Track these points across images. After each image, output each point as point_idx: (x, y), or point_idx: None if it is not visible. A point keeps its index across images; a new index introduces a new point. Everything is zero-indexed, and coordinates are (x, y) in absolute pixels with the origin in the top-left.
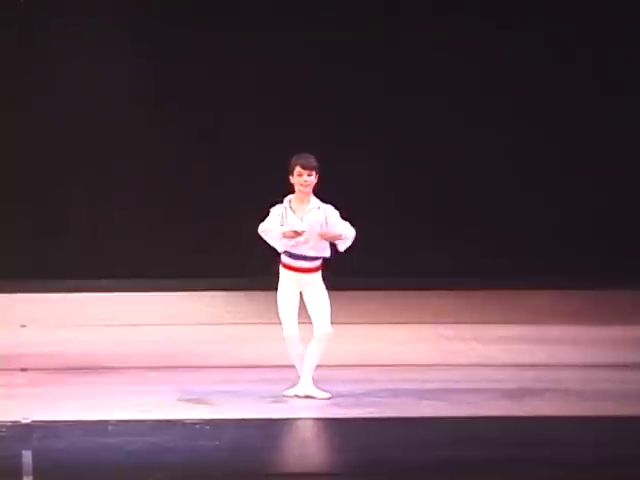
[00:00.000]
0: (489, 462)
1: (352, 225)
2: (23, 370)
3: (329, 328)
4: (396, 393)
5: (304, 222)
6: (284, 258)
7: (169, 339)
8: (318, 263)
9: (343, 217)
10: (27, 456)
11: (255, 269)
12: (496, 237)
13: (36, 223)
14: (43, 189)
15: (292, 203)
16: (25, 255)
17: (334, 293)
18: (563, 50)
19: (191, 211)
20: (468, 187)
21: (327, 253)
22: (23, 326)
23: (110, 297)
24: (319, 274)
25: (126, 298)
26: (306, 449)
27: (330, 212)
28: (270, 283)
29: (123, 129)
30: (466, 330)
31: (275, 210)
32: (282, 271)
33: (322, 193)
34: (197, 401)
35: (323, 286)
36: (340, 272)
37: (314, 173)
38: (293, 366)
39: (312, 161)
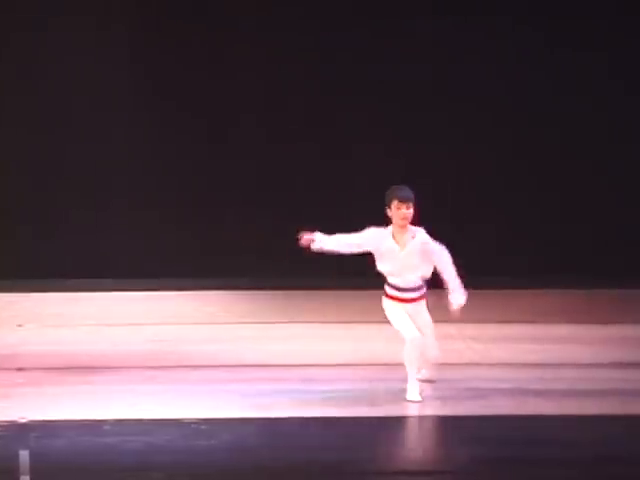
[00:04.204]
0: (487, 461)
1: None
2: (20, 370)
3: (438, 356)
4: (395, 392)
5: (404, 251)
6: (389, 290)
7: (165, 338)
8: (423, 292)
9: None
10: (24, 456)
11: (252, 269)
12: (495, 236)
13: (32, 222)
14: (40, 188)
15: (394, 231)
16: (21, 254)
17: (332, 293)
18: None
19: (189, 211)
20: (466, 186)
21: (428, 276)
22: (20, 326)
23: (107, 297)
24: (424, 302)
25: (123, 298)
26: (303, 447)
27: (424, 237)
28: (266, 283)
29: (121, 128)
30: (465, 329)
31: (373, 230)
32: (386, 300)
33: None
34: (194, 400)
35: (427, 313)
36: (333, 272)
37: (412, 205)
38: (289, 365)
39: (409, 193)
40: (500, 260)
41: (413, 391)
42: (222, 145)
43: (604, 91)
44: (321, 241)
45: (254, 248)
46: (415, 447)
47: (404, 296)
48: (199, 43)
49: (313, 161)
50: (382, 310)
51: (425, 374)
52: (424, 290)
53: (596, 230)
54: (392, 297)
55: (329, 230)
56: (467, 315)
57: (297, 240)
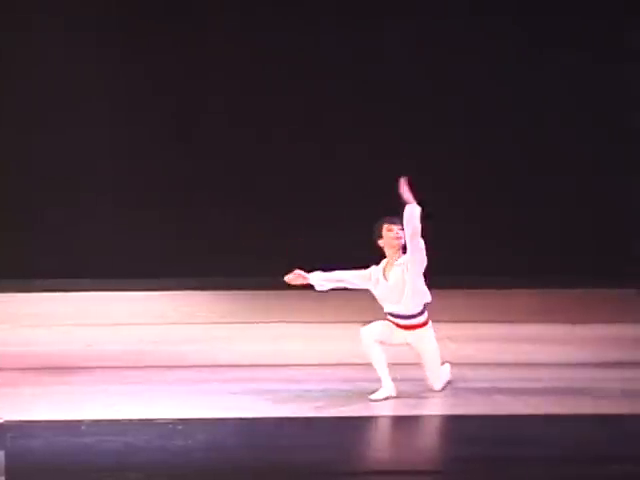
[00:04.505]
0: (460, 460)
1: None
2: None
3: (438, 386)
4: (370, 393)
5: (390, 281)
6: (389, 317)
7: (142, 338)
8: (422, 319)
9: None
10: (0, 456)
11: (228, 269)
12: (471, 236)
13: (7, 222)
14: (14, 188)
15: (386, 264)
16: None
17: (309, 293)
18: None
19: (167, 211)
20: (444, 187)
21: (424, 302)
22: None
23: (83, 297)
24: (426, 329)
25: (99, 298)
26: (279, 447)
27: (406, 259)
28: (242, 283)
29: (100, 129)
30: (440, 329)
31: (371, 269)
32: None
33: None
34: (170, 400)
35: (431, 343)
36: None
37: (402, 227)
38: (266, 365)
39: (396, 218)
40: (474, 260)
41: (379, 391)
42: (199, 145)
43: (601, 90)
44: (321, 285)
45: (233, 248)
46: (388, 447)
47: (401, 323)
48: (189, 41)
49: (295, 161)
50: (361, 311)
51: (434, 385)
52: (424, 317)
53: (571, 231)
54: (394, 324)
55: (315, 232)
56: (442, 315)
57: (288, 276)
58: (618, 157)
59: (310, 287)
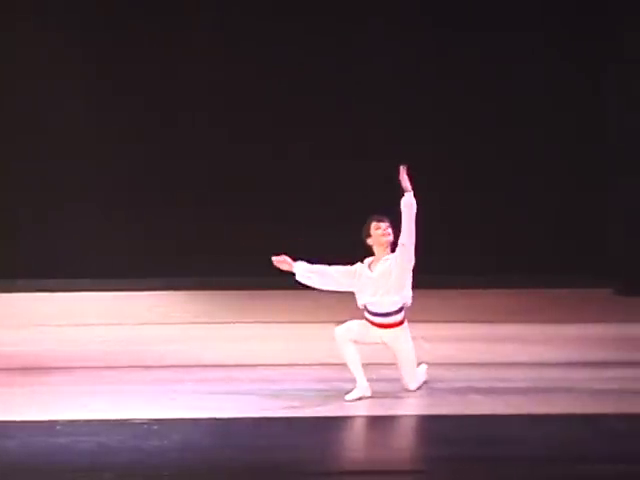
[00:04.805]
0: (437, 460)
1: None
2: None
3: (412, 387)
4: (339, 392)
5: (374, 273)
6: (366, 315)
7: (117, 339)
8: (398, 318)
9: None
10: None
11: (204, 269)
12: (448, 236)
13: None
14: None
15: (372, 261)
16: None
17: (283, 293)
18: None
19: (142, 211)
20: (421, 188)
21: (403, 302)
22: None
23: (58, 297)
24: (402, 328)
25: (74, 298)
26: (255, 447)
27: (397, 253)
28: (218, 283)
29: (73, 128)
30: (415, 329)
31: (357, 266)
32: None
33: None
34: (145, 401)
35: (407, 343)
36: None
37: (390, 224)
38: (240, 365)
39: (384, 216)
40: (450, 260)
41: (354, 391)
42: (173, 145)
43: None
44: (304, 276)
45: (207, 248)
46: (362, 447)
47: (378, 321)
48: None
49: (265, 161)
50: (336, 311)
51: (409, 385)
52: (401, 316)
53: (547, 230)
54: (368, 320)
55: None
56: (417, 315)
57: (275, 257)
58: (595, 158)
59: (292, 285)
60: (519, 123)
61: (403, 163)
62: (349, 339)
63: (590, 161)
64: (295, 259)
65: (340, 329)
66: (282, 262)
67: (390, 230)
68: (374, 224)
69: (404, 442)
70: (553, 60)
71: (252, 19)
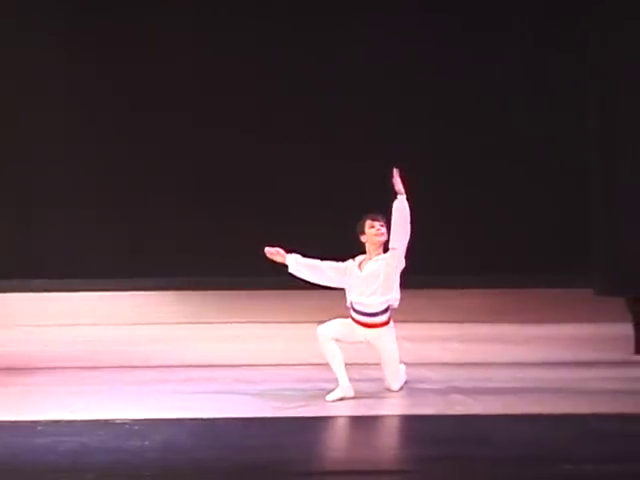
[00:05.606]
0: (419, 460)
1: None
2: None
3: (395, 387)
4: (322, 392)
5: (363, 272)
6: (352, 313)
7: (99, 339)
8: (384, 318)
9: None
10: None
11: (189, 270)
12: (429, 236)
13: None
14: None
15: (363, 259)
16: None
17: (268, 293)
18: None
19: (126, 211)
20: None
21: (389, 304)
22: None
23: (41, 297)
24: (387, 328)
25: (57, 298)
26: (238, 447)
27: (388, 255)
28: (202, 284)
29: (54, 127)
30: (399, 329)
31: (347, 262)
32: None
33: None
34: (127, 401)
35: (392, 343)
36: (271, 272)
37: (384, 223)
38: (223, 365)
39: (379, 215)
40: (432, 260)
41: (335, 391)
42: (161, 145)
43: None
44: (296, 269)
45: (191, 248)
46: (345, 447)
47: (364, 320)
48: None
49: (257, 160)
50: (321, 311)
51: (392, 385)
52: (386, 316)
53: (529, 230)
54: (354, 319)
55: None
56: (400, 315)
57: (268, 249)
58: (576, 157)
59: (277, 286)
60: (507, 123)
61: (396, 165)
62: (332, 338)
63: (571, 160)
64: (288, 252)
65: (323, 328)
66: (275, 254)
67: (384, 230)
68: (368, 222)
69: (387, 442)
70: (542, 61)
71: (253, 19)
